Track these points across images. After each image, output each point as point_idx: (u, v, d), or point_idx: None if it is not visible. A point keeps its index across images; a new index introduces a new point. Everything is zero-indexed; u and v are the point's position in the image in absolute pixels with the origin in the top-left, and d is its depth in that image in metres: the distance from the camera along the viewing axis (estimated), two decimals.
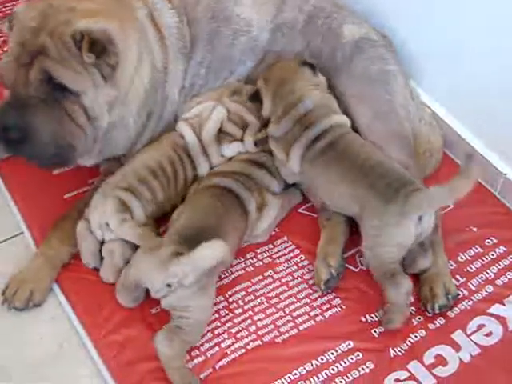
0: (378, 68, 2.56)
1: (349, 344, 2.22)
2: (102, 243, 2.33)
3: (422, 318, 2.28)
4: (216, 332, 2.25)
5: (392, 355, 2.20)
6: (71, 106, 2.23)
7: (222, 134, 2.50)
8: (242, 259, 2.43)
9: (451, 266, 2.39)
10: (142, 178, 2.35)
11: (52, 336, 2.26)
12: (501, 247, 2.47)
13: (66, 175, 2.67)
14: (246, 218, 2.34)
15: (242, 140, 2.50)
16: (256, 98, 2.47)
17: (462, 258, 2.43)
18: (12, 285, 2.30)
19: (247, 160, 2.47)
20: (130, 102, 2.41)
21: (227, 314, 2.29)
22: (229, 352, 2.21)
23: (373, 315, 2.30)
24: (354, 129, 2.47)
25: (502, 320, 2.27)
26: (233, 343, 2.22)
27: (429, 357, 2.19)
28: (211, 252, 2.04)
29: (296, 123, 2.36)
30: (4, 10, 3.33)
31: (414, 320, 2.28)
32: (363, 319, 2.29)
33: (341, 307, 2.32)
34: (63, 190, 2.62)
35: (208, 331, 2.23)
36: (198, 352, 2.19)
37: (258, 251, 2.46)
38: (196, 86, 2.62)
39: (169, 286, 2.05)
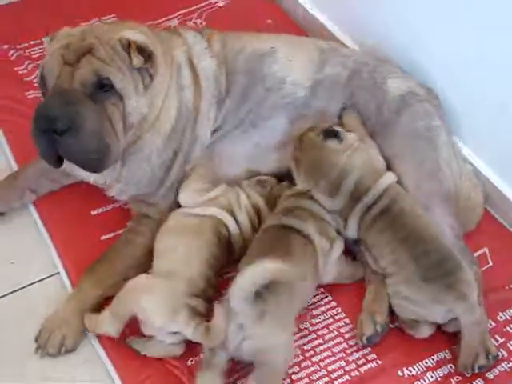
0: (425, 124, 2.55)
1: None
2: None
3: (460, 378, 2.24)
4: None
5: None
6: (112, 108, 2.26)
7: None
8: None
9: (490, 325, 2.35)
10: (208, 278, 2.28)
11: (85, 379, 2.26)
12: None
13: (104, 216, 2.69)
14: (310, 247, 2.29)
15: None
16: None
17: (501, 317, 2.39)
18: (44, 331, 2.30)
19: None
20: (156, 132, 2.43)
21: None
22: None
23: (410, 368, 2.27)
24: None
25: None
26: None
27: None
28: None
29: (349, 197, 2.34)
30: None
31: (452, 380, 2.24)
32: (400, 373, 2.25)
33: (376, 362, 2.29)
34: (100, 231, 2.63)
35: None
36: None
37: None
38: (221, 133, 2.61)
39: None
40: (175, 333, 2.18)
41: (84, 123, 2.19)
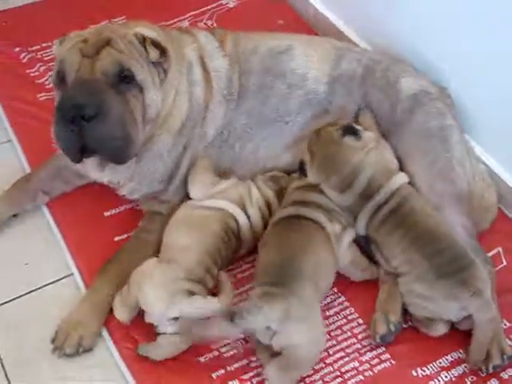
0: (438, 123, 2.54)
1: None
2: None
3: (474, 378, 2.23)
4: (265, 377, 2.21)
5: None
6: (133, 99, 2.28)
7: None
8: None
9: (505, 325, 2.34)
10: (208, 268, 2.27)
11: (100, 379, 2.26)
12: None
13: (117, 217, 2.69)
14: (323, 233, 2.31)
15: None
16: (302, 169, 2.45)
17: None
18: (61, 332, 2.30)
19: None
20: (168, 128, 2.45)
21: None
22: None
23: (424, 368, 2.26)
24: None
25: None
26: None
27: None
28: None
29: (360, 195, 2.35)
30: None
31: (466, 379, 2.23)
32: (414, 373, 2.25)
33: (390, 362, 2.28)
34: (114, 232, 2.63)
35: (257, 382, 2.22)
36: None
37: None
38: (235, 133, 2.61)
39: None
40: (175, 319, 2.18)
41: (110, 110, 2.20)
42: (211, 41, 2.65)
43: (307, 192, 2.40)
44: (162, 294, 2.17)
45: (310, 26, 3.47)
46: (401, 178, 2.39)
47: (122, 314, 2.27)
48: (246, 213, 2.44)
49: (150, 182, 2.52)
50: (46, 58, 3.32)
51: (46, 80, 3.18)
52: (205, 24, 3.48)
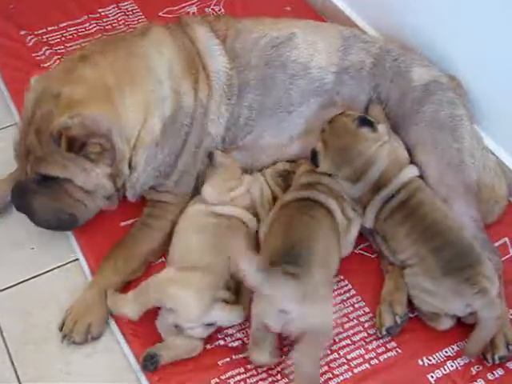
0: (448, 113, 2.53)
1: None
2: None
3: (480, 368, 2.23)
4: (270, 372, 2.23)
5: None
6: (66, 184, 2.34)
7: None
8: None
9: (511, 315, 2.33)
10: (233, 274, 2.27)
11: (106, 368, 2.27)
12: None
13: (123, 202, 2.65)
14: (332, 218, 2.33)
15: None
16: (314, 159, 2.45)
17: None
18: (69, 319, 2.31)
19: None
20: (141, 146, 2.41)
21: (281, 356, 2.24)
22: None
23: (430, 357, 2.26)
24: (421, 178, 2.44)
25: None
26: None
27: None
28: None
29: (371, 187, 2.36)
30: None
31: (472, 369, 2.23)
32: (420, 362, 2.25)
33: (396, 351, 2.28)
34: (120, 217, 2.63)
35: (263, 371, 2.23)
36: None
37: None
38: (237, 126, 2.59)
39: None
40: (208, 325, 2.21)
41: (37, 211, 2.42)
42: (211, 38, 2.61)
43: (318, 175, 2.41)
44: (203, 298, 2.17)
45: (317, 12, 3.45)
46: (411, 171, 2.39)
47: (130, 311, 2.24)
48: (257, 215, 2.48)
49: (147, 183, 2.51)
50: (51, 42, 3.31)
51: (52, 64, 3.17)
52: (212, 9, 3.46)
